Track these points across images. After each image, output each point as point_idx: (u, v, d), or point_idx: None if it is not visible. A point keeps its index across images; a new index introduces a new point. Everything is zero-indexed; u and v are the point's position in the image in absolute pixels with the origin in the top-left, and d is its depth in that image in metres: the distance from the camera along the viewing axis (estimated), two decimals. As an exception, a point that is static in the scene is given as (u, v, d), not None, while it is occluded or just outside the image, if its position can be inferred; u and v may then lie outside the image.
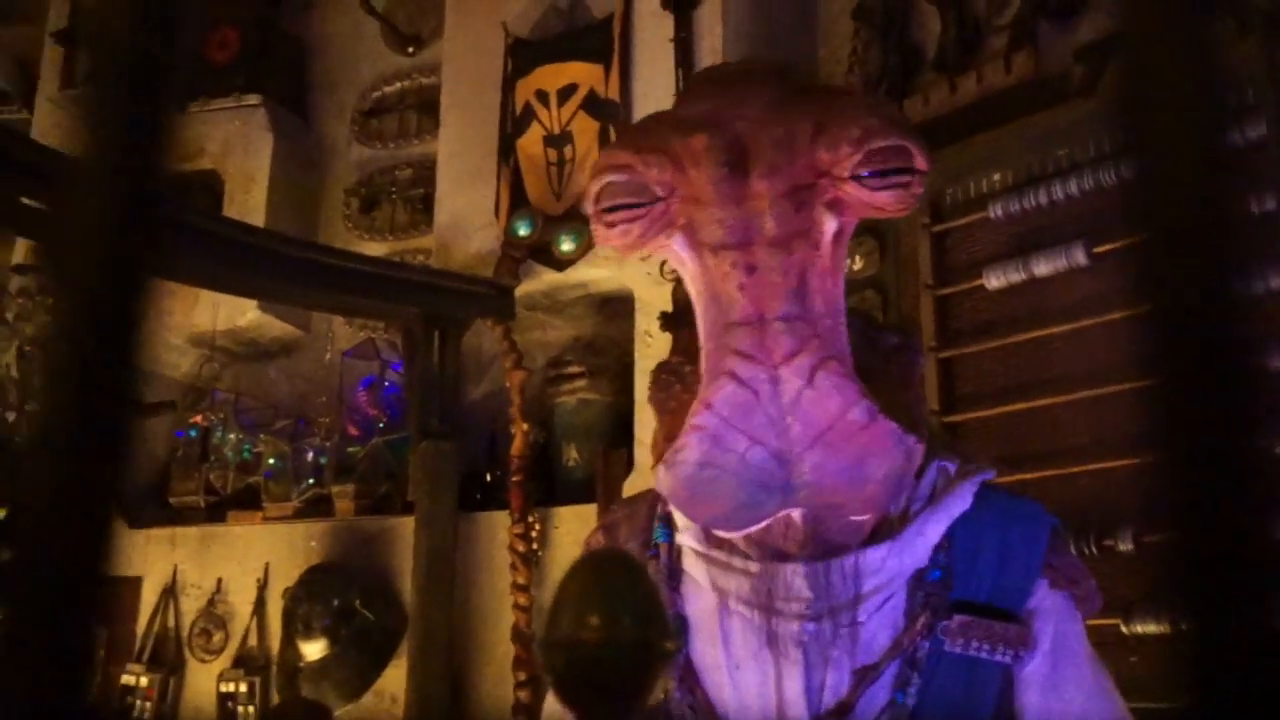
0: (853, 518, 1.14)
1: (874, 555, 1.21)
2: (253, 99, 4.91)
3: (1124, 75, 0.37)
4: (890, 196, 1.09)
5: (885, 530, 1.24)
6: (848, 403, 1.05)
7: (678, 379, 1.27)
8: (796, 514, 1.16)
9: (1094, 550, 2.64)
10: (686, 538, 1.30)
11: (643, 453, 3.47)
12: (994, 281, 3.00)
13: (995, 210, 3.02)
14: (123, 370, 0.39)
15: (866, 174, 1.08)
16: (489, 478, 4.04)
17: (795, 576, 1.19)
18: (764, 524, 1.12)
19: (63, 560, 0.39)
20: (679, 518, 1.32)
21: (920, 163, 1.09)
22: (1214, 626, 0.35)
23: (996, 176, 3.08)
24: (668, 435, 1.19)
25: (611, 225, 1.14)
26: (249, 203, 4.75)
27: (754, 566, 1.21)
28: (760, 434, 1.07)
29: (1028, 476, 2.75)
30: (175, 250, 3.07)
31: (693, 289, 1.17)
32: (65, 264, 0.41)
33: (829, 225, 1.09)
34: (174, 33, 0.41)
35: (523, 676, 3.51)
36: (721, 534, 1.19)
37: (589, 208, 1.16)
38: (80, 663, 0.39)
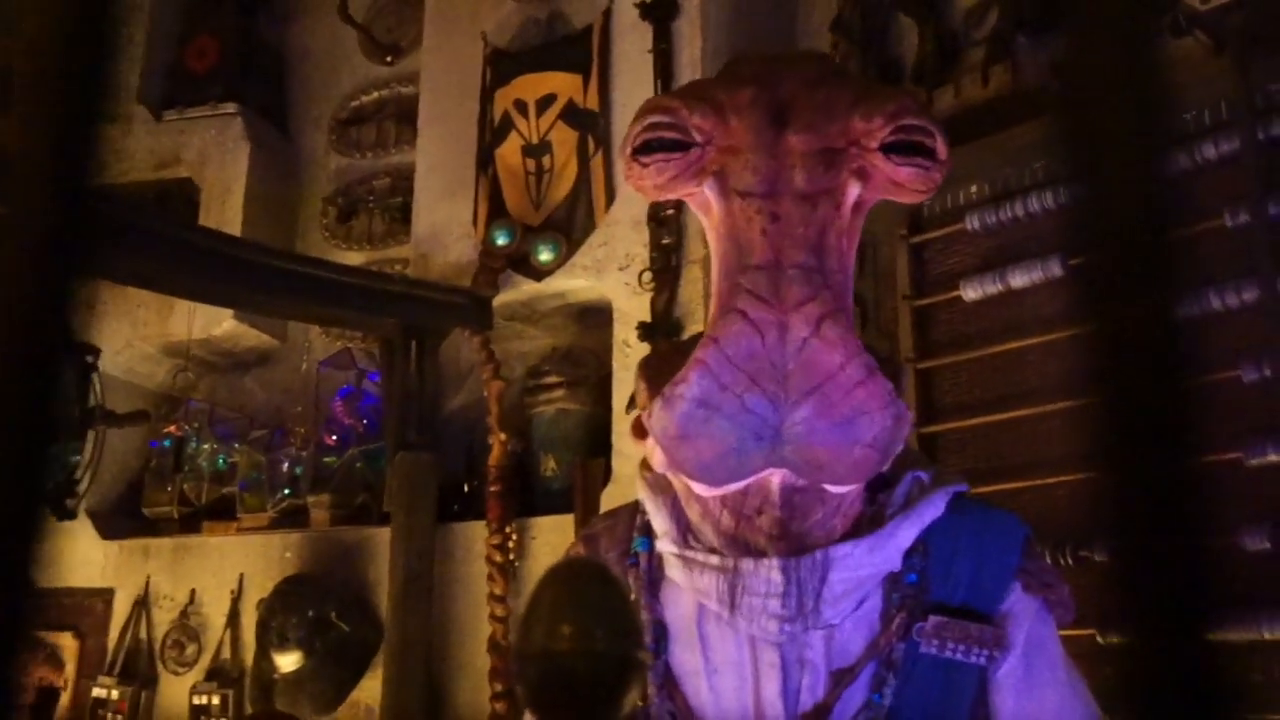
0: (834, 487, 1.15)
1: (844, 550, 1.23)
2: (230, 108, 4.89)
3: (1065, 100, 0.38)
4: (910, 173, 1.13)
5: (861, 534, 1.26)
6: (849, 355, 1.07)
7: (668, 362, 1.28)
8: (775, 481, 1.17)
9: (1070, 561, 2.65)
10: (665, 543, 1.32)
11: (621, 463, 3.46)
12: (971, 293, 3.01)
13: (972, 222, 3.03)
14: (53, 371, 0.38)
15: (893, 150, 1.13)
16: (466, 488, 4.02)
17: (769, 570, 1.20)
18: (745, 483, 1.13)
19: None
20: (657, 524, 1.33)
21: (942, 151, 1.14)
22: (1153, 640, 0.35)
23: (974, 189, 3.10)
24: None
25: (646, 165, 1.16)
26: (226, 212, 4.73)
27: (728, 562, 1.23)
28: (760, 377, 1.08)
29: (1005, 487, 2.76)
30: (143, 257, 3.05)
31: (713, 235, 1.20)
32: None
33: (852, 190, 1.13)
34: (108, 35, 0.40)
35: (499, 688, 3.49)
36: (700, 490, 1.19)
37: (625, 149, 1.19)
38: (13, 671, 0.38)
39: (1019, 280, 2.92)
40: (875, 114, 1.12)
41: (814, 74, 1.18)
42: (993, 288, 2.97)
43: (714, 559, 1.25)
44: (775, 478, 1.16)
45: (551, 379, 3.92)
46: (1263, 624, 2.37)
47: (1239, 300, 2.54)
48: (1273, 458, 2.45)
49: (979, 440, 2.99)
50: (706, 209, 1.19)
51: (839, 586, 1.22)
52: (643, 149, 1.17)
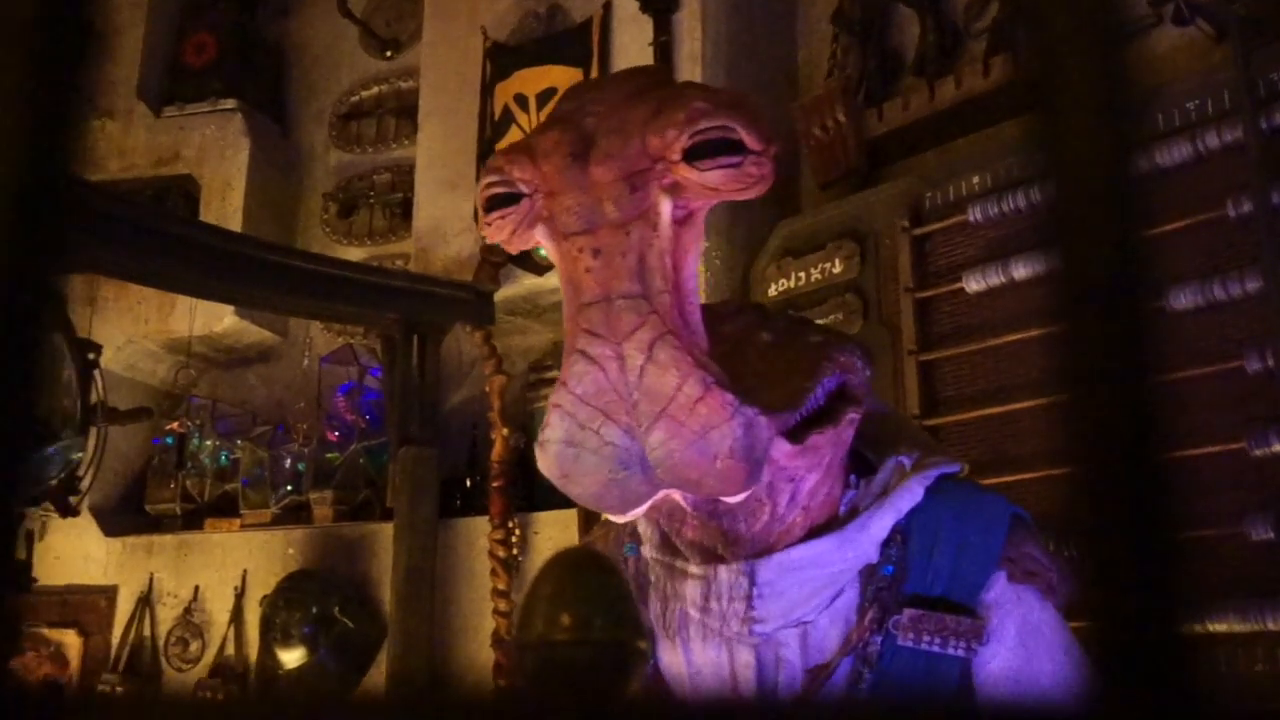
0: (724, 498, 1.15)
1: (813, 549, 1.24)
2: (229, 103, 4.89)
3: (1036, 102, 0.38)
4: (719, 176, 1.09)
5: (833, 528, 1.26)
6: (684, 374, 1.08)
7: None
8: (679, 498, 1.19)
9: (1074, 554, 2.65)
10: (647, 548, 1.35)
11: (623, 457, 3.45)
12: (973, 285, 3.00)
13: (974, 214, 3.02)
14: (29, 367, 0.38)
15: (701, 154, 1.10)
16: (469, 483, 4.02)
17: (730, 574, 1.23)
18: (645, 508, 1.14)
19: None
20: (642, 531, 1.36)
21: (751, 142, 1.09)
22: (1124, 630, 0.35)
23: (976, 180, 3.09)
24: None
25: (489, 224, 1.19)
26: (226, 208, 4.73)
27: (699, 569, 1.26)
28: (611, 410, 1.10)
29: (1007, 479, 2.75)
30: (143, 254, 3.05)
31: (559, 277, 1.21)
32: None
33: (665, 207, 1.11)
34: (83, 19, 0.40)
35: (503, 683, 3.49)
36: (613, 518, 1.22)
37: (480, 212, 1.21)
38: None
39: (1021, 272, 2.91)
40: (667, 127, 1.09)
41: (616, 98, 1.15)
42: (995, 279, 2.96)
43: (687, 565, 1.28)
44: (677, 494, 1.17)
45: (554, 373, 3.91)
46: (1266, 613, 2.37)
47: (1242, 290, 2.53)
48: (1276, 447, 2.44)
49: (981, 432, 2.98)
50: (551, 254, 1.19)
51: (809, 584, 1.23)
52: (487, 208, 1.19)
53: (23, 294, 0.38)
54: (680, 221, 1.13)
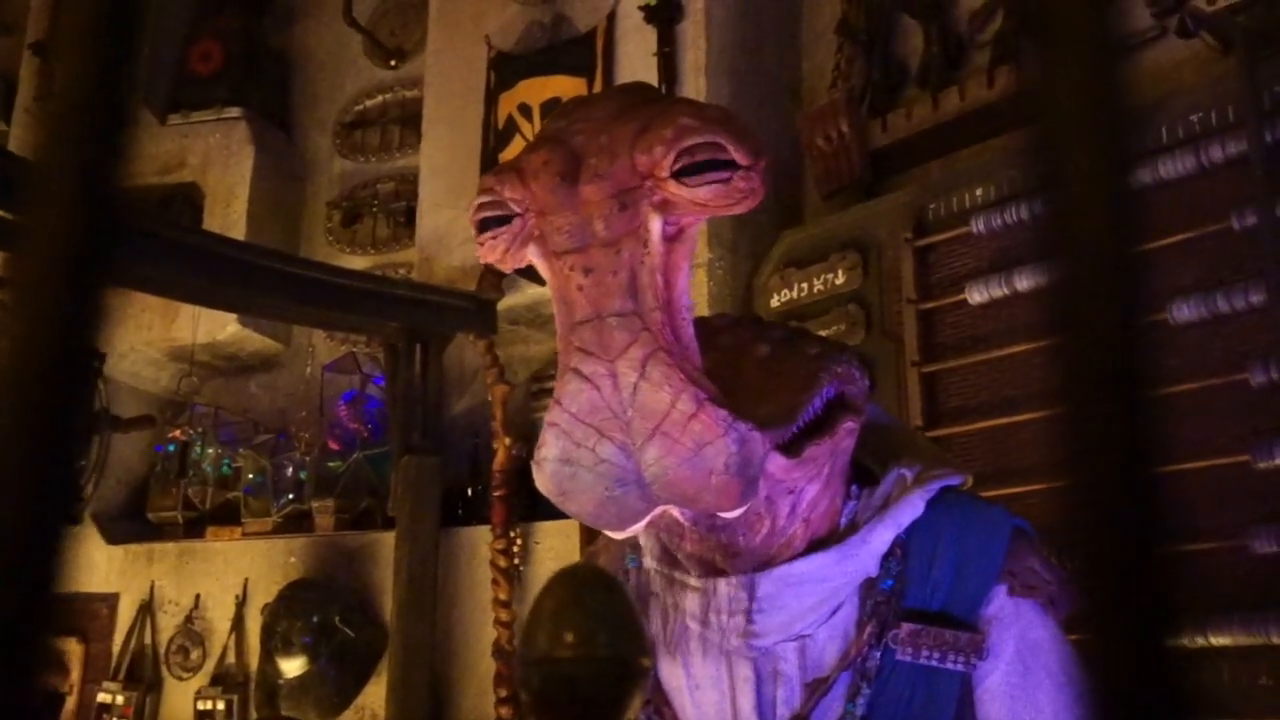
0: (721, 513, 1.16)
1: (812, 563, 1.24)
2: (234, 112, 4.90)
3: (1033, 115, 0.38)
4: (709, 192, 1.09)
5: (834, 541, 1.26)
6: (676, 391, 1.08)
7: None
8: (677, 513, 1.19)
9: (1073, 567, 2.64)
10: (648, 559, 1.35)
11: (625, 467, 3.45)
12: (976, 296, 3.00)
13: (978, 225, 3.02)
14: (80, 379, 0.38)
15: (689, 172, 1.09)
16: (471, 493, 4.01)
17: (736, 588, 1.23)
18: (642, 524, 1.15)
19: (17, 572, 0.38)
20: (644, 543, 1.37)
21: (740, 157, 1.09)
22: (1117, 645, 0.35)
23: (979, 191, 3.09)
24: None
25: (483, 244, 1.19)
26: (230, 216, 4.73)
27: (699, 582, 1.27)
28: (606, 427, 1.11)
29: (1010, 491, 2.75)
30: (147, 262, 3.05)
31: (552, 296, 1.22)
32: (24, 272, 0.40)
33: (654, 224, 1.11)
34: (137, 43, 0.40)
35: (503, 693, 3.48)
36: (612, 535, 1.22)
37: (473, 230, 1.21)
38: (33, 677, 0.38)
39: (1024, 283, 2.91)
40: (654, 145, 1.08)
41: (604, 116, 1.15)
42: (998, 291, 2.96)
43: (687, 577, 1.28)
44: (674, 510, 1.17)
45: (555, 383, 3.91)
46: (1271, 627, 2.36)
47: (1246, 303, 2.53)
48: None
49: (985, 444, 2.98)
50: (543, 272, 1.20)
51: (809, 597, 1.23)
52: (480, 228, 1.19)
53: (79, 306, 0.38)
54: (671, 238, 1.13)
